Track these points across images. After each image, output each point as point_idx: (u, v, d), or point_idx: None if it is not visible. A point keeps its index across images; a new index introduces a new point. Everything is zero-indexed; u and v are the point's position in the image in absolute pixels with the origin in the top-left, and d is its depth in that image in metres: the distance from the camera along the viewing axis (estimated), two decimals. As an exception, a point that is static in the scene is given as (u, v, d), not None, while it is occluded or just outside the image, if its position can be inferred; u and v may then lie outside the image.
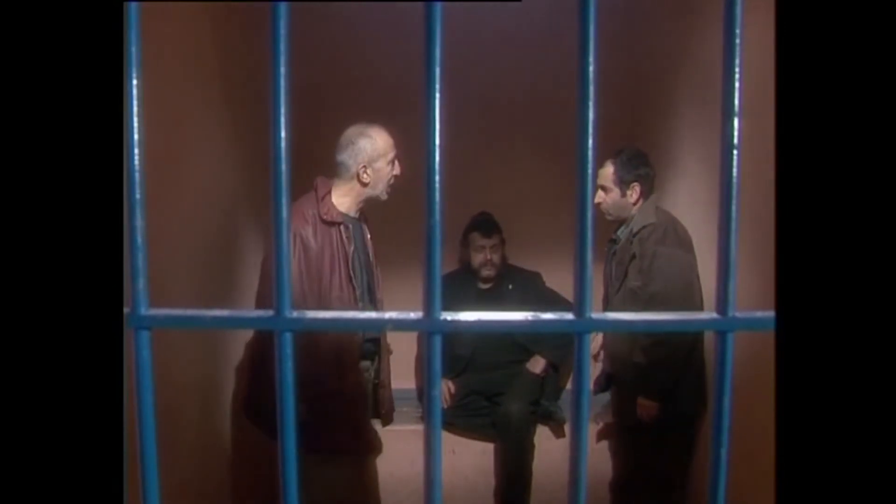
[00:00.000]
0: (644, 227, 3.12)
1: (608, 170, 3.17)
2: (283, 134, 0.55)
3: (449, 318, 0.53)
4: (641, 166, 3.18)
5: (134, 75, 0.57)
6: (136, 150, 0.56)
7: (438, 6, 0.53)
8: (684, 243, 3.13)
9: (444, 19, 0.54)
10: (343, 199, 2.74)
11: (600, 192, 3.20)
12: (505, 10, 3.87)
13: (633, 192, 3.17)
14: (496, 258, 3.73)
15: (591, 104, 0.52)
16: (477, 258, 3.74)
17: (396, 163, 2.73)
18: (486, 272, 3.74)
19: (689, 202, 3.33)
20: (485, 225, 3.74)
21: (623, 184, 3.16)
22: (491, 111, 4.02)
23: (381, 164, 2.70)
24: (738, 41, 0.56)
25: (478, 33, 3.83)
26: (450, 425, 3.63)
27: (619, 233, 3.28)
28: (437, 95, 0.54)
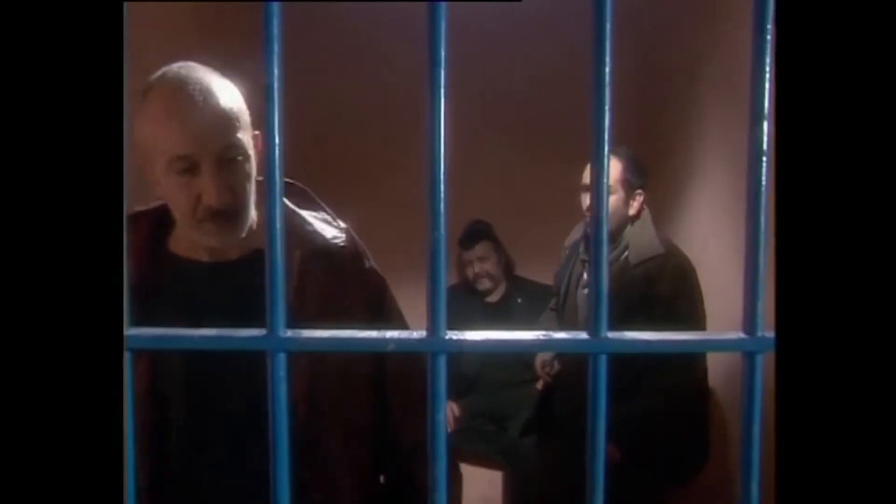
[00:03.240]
0: (651, 258, 2.57)
1: (613, 165, 2.53)
2: (276, 141, 0.55)
3: (455, 337, 0.53)
4: (645, 173, 2.68)
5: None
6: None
7: (443, 6, 0.54)
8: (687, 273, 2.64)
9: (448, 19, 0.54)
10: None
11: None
12: (513, 10, 3.88)
13: (635, 204, 2.65)
14: (487, 268, 3.70)
15: (606, 109, 0.52)
16: (467, 272, 3.73)
17: (202, 176, 1.31)
18: (481, 286, 3.73)
19: (711, 212, 3.32)
20: (465, 238, 3.71)
21: (630, 188, 2.63)
22: (496, 114, 4.03)
23: (156, 169, 1.34)
24: (768, 36, 0.55)
25: (484, 34, 3.85)
26: (454, 451, 3.61)
27: None
28: (442, 99, 0.54)
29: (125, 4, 0.55)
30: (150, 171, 1.35)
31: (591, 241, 0.55)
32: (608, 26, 0.53)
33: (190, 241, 1.43)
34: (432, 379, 0.53)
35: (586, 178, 2.58)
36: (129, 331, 0.56)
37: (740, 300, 0.56)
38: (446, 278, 0.54)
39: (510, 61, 4.06)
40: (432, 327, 0.53)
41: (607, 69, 0.53)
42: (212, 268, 1.44)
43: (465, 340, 0.54)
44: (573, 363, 2.67)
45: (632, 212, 2.64)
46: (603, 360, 0.56)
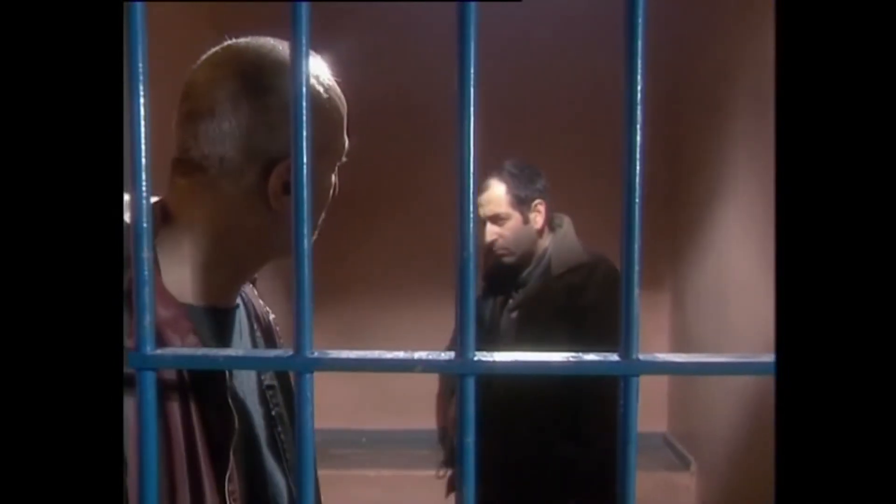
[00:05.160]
0: (574, 268, 2.43)
1: (497, 191, 2.44)
2: (304, 148, 0.56)
3: (484, 358, 0.54)
4: (538, 178, 2.49)
5: (141, 93, 0.58)
6: (144, 176, 0.58)
7: (473, 6, 0.54)
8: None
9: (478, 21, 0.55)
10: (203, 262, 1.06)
11: (491, 229, 2.43)
12: (548, 17, 3.89)
13: (538, 216, 2.46)
14: None
15: (638, 127, 0.53)
16: None
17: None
18: None
19: (740, 226, 3.30)
20: None
21: (523, 204, 2.44)
22: (520, 124, 4.03)
23: (338, 145, 1.12)
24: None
25: (513, 40, 3.86)
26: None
27: (524, 276, 2.51)
28: (472, 107, 0.54)
29: (142, 5, 0.56)
30: (336, 146, 1.12)
31: (623, 267, 0.55)
32: (640, 44, 0.53)
33: (206, 283, 1.07)
34: (462, 401, 0.54)
35: (490, 206, 2.45)
36: (153, 351, 0.57)
37: (767, 314, 0.57)
38: (475, 293, 0.55)
39: (537, 72, 4.07)
40: (461, 349, 0.53)
41: (639, 87, 0.53)
42: (226, 313, 1.13)
43: (494, 362, 0.54)
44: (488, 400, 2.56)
45: (537, 226, 2.48)
46: (634, 382, 0.56)
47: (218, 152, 0.99)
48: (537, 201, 2.45)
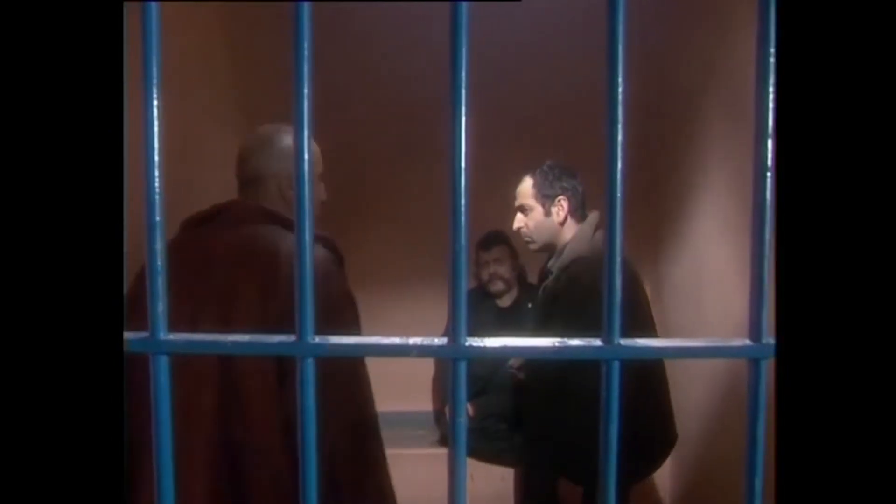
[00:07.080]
0: (575, 259, 2.51)
1: (526, 184, 2.66)
2: (305, 146, 0.56)
3: (475, 343, 0.54)
4: (566, 178, 2.63)
5: (154, 94, 0.58)
6: (157, 172, 0.58)
7: (465, 6, 0.54)
8: (630, 280, 2.30)
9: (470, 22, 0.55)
10: None
11: (519, 216, 2.67)
12: (536, 20, 3.88)
13: (560, 210, 2.60)
14: (501, 271, 3.80)
15: (619, 127, 0.53)
16: (482, 274, 3.81)
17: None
18: (493, 287, 3.81)
19: (714, 223, 3.31)
20: (485, 239, 3.80)
21: (546, 199, 2.62)
22: (511, 127, 4.03)
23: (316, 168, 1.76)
24: (772, 57, 0.56)
25: (504, 43, 3.85)
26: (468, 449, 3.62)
27: (549, 265, 2.66)
28: (463, 104, 0.55)
29: (157, 5, 0.57)
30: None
31: (607, 255, 0.56)
32: (621, 48, 0.54)
33: None
34: (454, 384, 0.54)
35: (519, 198, 2.68)
36: (166, 336, 0.57)
37: (739, 307, 0.57)
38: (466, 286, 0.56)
39: (526, 76, 4.06)
40: (454, 334, 0.54)
41: (620, 89, 0.54)
42: None
43: (485, 347, 0.55)
44: (536, 372, 2.75)
45: (558, 219, 2.62)
46: (616, 366, 0.57)
47: (252, 175, 1.82)
48: (560, 197, 2.61)
